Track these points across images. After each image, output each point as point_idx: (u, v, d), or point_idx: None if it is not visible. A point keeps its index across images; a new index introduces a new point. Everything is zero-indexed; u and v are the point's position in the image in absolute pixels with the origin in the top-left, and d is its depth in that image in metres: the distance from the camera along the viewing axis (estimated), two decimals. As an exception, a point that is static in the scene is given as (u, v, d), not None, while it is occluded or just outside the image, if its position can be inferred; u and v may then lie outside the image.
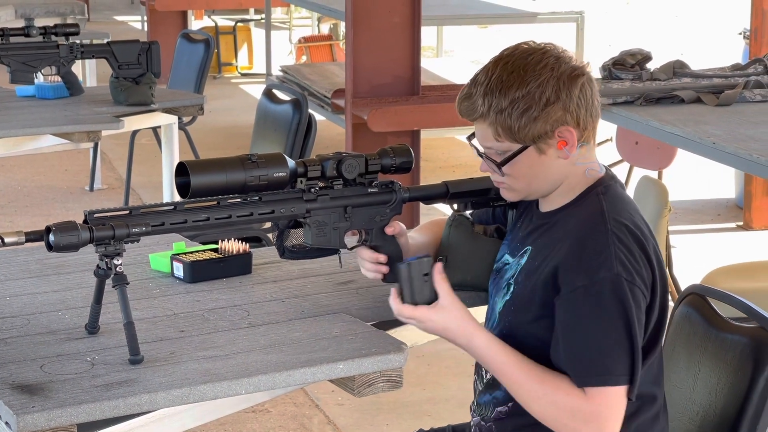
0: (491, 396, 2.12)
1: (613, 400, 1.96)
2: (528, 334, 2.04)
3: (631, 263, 1.97)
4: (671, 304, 2.11)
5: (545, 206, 2.12)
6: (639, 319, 1.97)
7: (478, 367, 2.17)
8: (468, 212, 2.29)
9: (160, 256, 2.44)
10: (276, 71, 8.26)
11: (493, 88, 2.01)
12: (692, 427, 2.19)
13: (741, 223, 6.14)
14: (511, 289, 2.09)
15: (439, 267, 2.04)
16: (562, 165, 2.05)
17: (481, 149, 2.08)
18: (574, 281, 1.97)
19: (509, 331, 2.07)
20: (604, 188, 2.06)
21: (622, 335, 1.95)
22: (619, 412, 1.97)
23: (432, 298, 2.02)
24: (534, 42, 2.07)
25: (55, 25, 4.69)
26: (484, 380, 2.14)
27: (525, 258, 2.09)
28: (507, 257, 2.16)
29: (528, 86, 2.00)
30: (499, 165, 2.06)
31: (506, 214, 2.28)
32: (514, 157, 2.04)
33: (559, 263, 2.00)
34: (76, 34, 4.71)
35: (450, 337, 2.03)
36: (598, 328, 1.96)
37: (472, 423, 2.18)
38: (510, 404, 2.08)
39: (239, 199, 2.06)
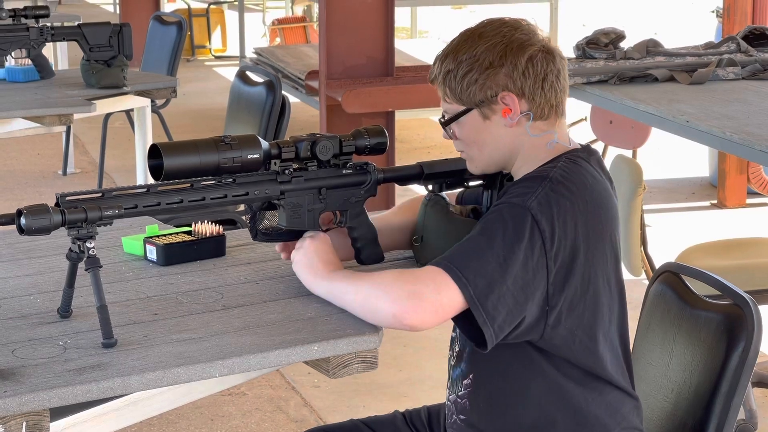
0: (459, 370, 2.12)
1: (440, 280, 1.92)
2: None
3: (551, 211, 1.94)
4: (645, 282, 2.11)
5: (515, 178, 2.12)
6: (527, 259, 1.92)
7: (452, 342, 2.17)
8: (444, 193, 2.29)
9: (132, 239, 2.42)
10: (249, 53, 8.23)
11: (447, 52, 2.07)
12: (667, 404, 2.20)
13: (715, 202, 6.17)
14: None
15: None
16: (511, 134, 2.05)
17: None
18: (496, 203, 2.00)
19: None
20: (573, 156, 2.05)
21: (493, 254, 1.92)
22: (438, 298, 1.92)
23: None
24: (507, 17, 2.08)
25: (25, 8, 4.65)
26: (455, 354, 2.14)
27: None
28: None
29: (476, 50, 2.03)
30: (443, 124, 2.09)
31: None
32: (456, 118, 2.06)
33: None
34: (47, 16, 4.68)
35: (316, 261, 2.07)
36: (479, 236, 1.95)
37: (448, 401, 2.18)
38: (471, 375, 2.08)
39: (213, 182, 2.05)
